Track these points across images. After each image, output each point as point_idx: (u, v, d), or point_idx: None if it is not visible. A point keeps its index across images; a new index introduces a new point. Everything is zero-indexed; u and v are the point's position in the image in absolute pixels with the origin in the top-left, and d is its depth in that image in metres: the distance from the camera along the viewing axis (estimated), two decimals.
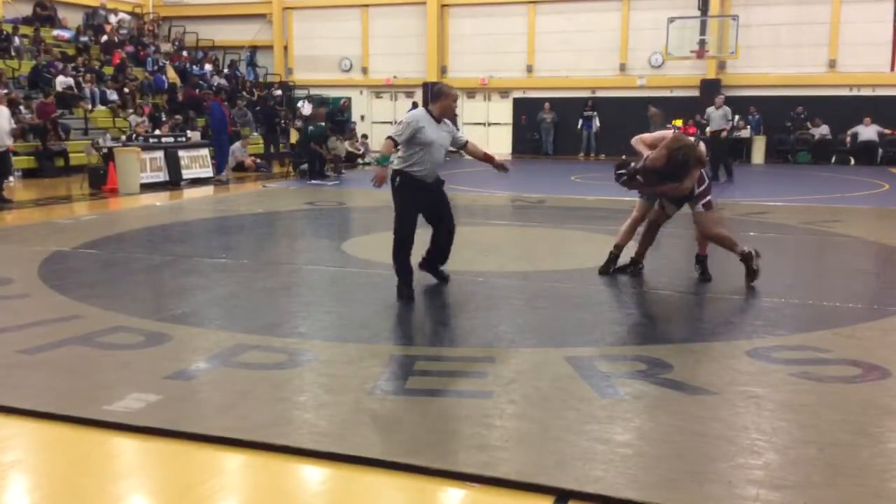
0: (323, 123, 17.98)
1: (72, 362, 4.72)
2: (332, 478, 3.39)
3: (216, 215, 11.80)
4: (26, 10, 23.63)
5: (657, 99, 23.40)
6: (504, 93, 26.47)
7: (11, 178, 14.50)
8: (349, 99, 21.91)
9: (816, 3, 22.75)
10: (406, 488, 3.27)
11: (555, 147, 25.61)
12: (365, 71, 27.60)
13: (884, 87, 22.51)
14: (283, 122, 22.28)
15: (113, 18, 25.80)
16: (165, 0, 29.04)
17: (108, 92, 20.73)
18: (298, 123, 19.14)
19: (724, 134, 17.51)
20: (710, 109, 17.47)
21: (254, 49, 28.32)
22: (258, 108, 23.65)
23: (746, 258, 6.69)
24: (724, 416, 3.93)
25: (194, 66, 25.66)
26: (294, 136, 18.43)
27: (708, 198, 6.74)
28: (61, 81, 19.55)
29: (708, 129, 17.89)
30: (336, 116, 18.45)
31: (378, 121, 27.41)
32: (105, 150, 15.06)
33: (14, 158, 14.59)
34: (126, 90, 21.10)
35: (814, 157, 22.61)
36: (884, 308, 6.09)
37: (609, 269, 7.20)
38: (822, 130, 22.75)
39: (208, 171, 17.04)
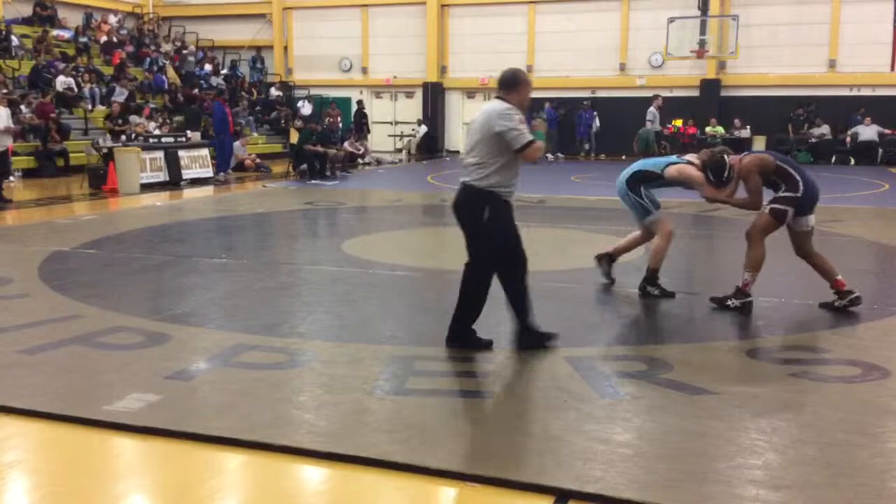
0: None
1: (72, 362, 4.72)
2: (332, 478, 3.39)
3: (216, 215, 11.80)
4: (26, 10, 23.62)
5: None
6: None
7: (12, 178, 14.49)
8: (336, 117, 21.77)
9: (816, 3, 22.74)
10: (406, 488, 3.27)
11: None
12: (365, 71, 27.60)
13: (884, 87, 22.51)
14: (283, 121, 22.20)
15: (113, 18, 25.78)
16: (165, 0, 29.04)
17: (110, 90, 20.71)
18: (298, 123, 19.15)
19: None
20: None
21: (258, 50, 28.29)
22: (258, 107, 23.54)
23: (738, 292, 6.05)
24: (724, 416, 3.93)
25: (196, 67, 25.63)
26: (294, 136, 18.48)
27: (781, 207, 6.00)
28: (61, 81, 19.55)
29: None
30: (325, 138, 18.49)
31: (378, 121, 27.38)
32: (105, 150, 15.06)
33: (14, 158, 14.58)
34: (126, 90, 21.07)
35: (814, 157, 22.60)
36: (884, 308, 6.10)
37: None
38: (823, 130, 22.74)
39: (208, 171, 17.03)
